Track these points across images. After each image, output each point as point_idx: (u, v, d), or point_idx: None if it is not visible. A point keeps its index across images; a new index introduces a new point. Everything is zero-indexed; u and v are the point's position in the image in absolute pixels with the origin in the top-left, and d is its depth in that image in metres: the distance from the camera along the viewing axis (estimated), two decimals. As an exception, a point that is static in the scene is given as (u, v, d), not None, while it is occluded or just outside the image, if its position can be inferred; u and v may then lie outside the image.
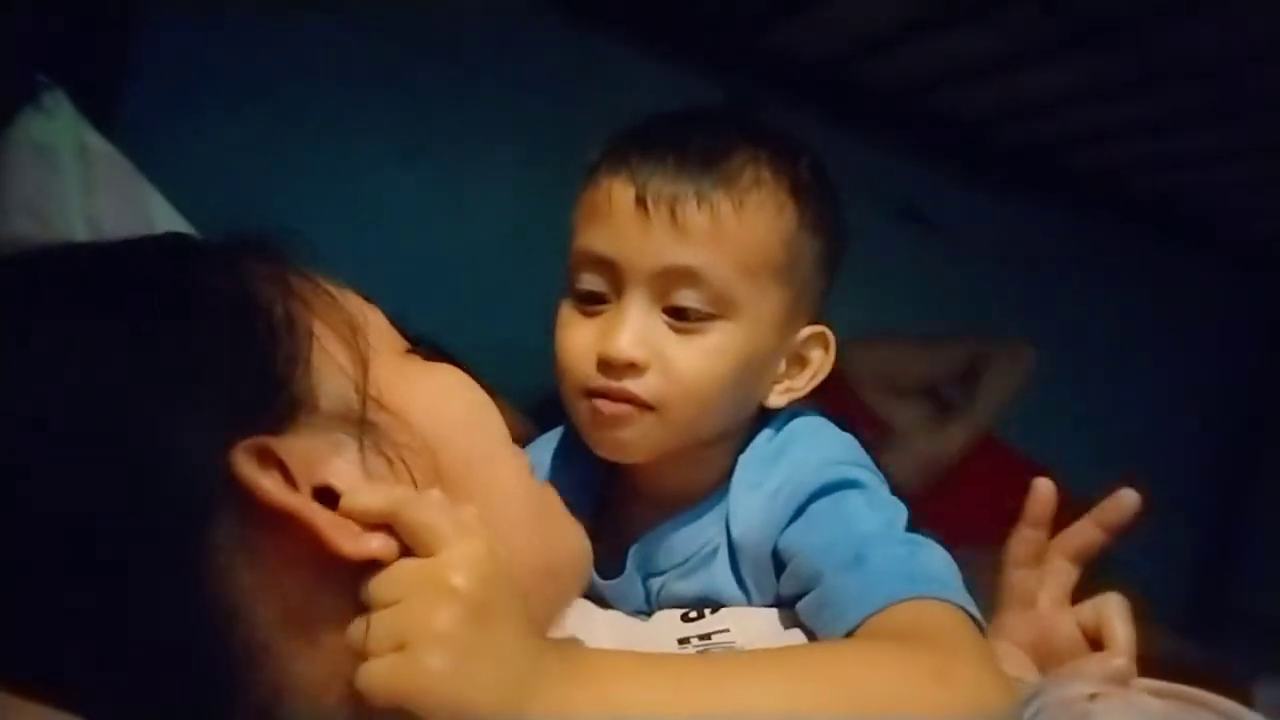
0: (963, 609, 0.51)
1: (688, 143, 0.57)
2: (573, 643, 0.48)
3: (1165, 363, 2.03)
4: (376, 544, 0.40)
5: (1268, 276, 2.09)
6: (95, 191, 0.85)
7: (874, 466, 0.61)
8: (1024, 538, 0.66)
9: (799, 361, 0.61)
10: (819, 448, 0.61)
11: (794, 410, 0.63)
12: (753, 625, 0.58)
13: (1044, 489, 0.66)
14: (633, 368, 0.56)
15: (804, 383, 0.61)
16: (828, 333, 0.62)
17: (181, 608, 0.39)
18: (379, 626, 0.38)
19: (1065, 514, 0.66)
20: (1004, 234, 1.86)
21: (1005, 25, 1.35)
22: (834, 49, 1.53)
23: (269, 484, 0.39)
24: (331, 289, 0.47)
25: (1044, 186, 1.86)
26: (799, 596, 0.56)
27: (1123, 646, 0.59)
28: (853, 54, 1.54)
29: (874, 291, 1.64)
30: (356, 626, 0.38)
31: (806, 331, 0.61)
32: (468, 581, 0.38)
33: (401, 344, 0.49)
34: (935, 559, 0.54)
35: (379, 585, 0.39)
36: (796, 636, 0.56)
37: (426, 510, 0.40)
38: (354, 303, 0.47)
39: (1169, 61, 1.37)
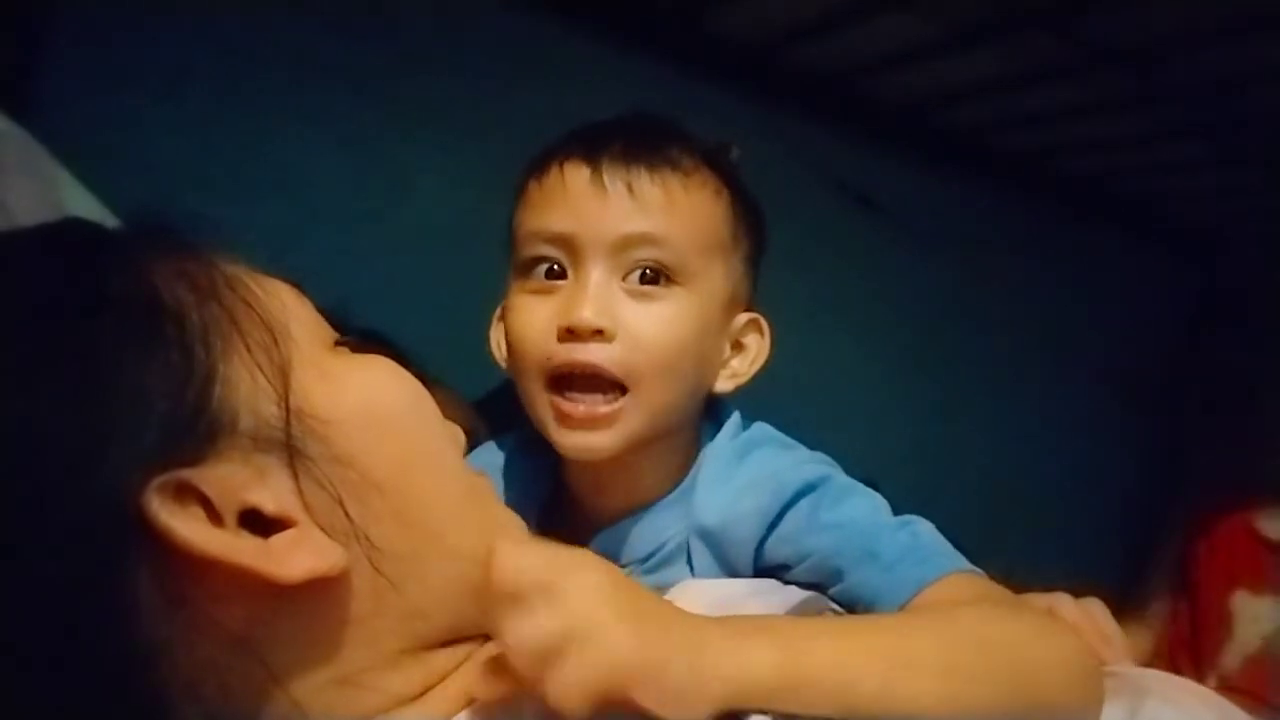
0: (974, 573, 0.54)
1: (629, 134, 0.60)
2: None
3: (1095, 343, 2.07)
4: (311, 563, 0.38)
5: (1197, 258, 2.15)
6: (3, 175, 0.80)
7: (835, 465, 0.63)
8: None
9: (737, 347, 0.64)
10: (783, 447, 0.63)
11: (749, 419, 0.65)
12: (699, 598, 0.58)
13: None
14: (598, 335, 0.56)
15: (745, 367, 0.64)
16: (761, 319, 0.64)
17: (105, 655, 0.36)
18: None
19: None
20: (947, 216, 1.88)
21: (939, 11, 1.36)
22: (771, 34, 1.53)
23: (184, 528, 0.36)
24: (250, 282, 0.43)
25: (983, 169, 1.88)
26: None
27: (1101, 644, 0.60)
28: (790, 39, 1.53)
29: (819, 273, 1.66)
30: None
31: (744, 318, 0.63)
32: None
33: (329, 335, 0.45)
34: (928, 534, 0.57)
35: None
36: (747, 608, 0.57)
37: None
38: (276, 294, 0.44)
39: (1100, 47, 1.40)
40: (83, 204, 0.84)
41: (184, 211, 0.43)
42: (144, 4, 1.21)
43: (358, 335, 0.47)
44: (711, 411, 0.65)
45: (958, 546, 0.57)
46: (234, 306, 0.41)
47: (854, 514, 0.57)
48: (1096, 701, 0.47)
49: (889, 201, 1.82)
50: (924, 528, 0.57)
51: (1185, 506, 1.56)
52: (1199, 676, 1.39)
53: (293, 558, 0.38)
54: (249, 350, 0.40)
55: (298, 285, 0.46)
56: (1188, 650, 1.44)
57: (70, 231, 0.44)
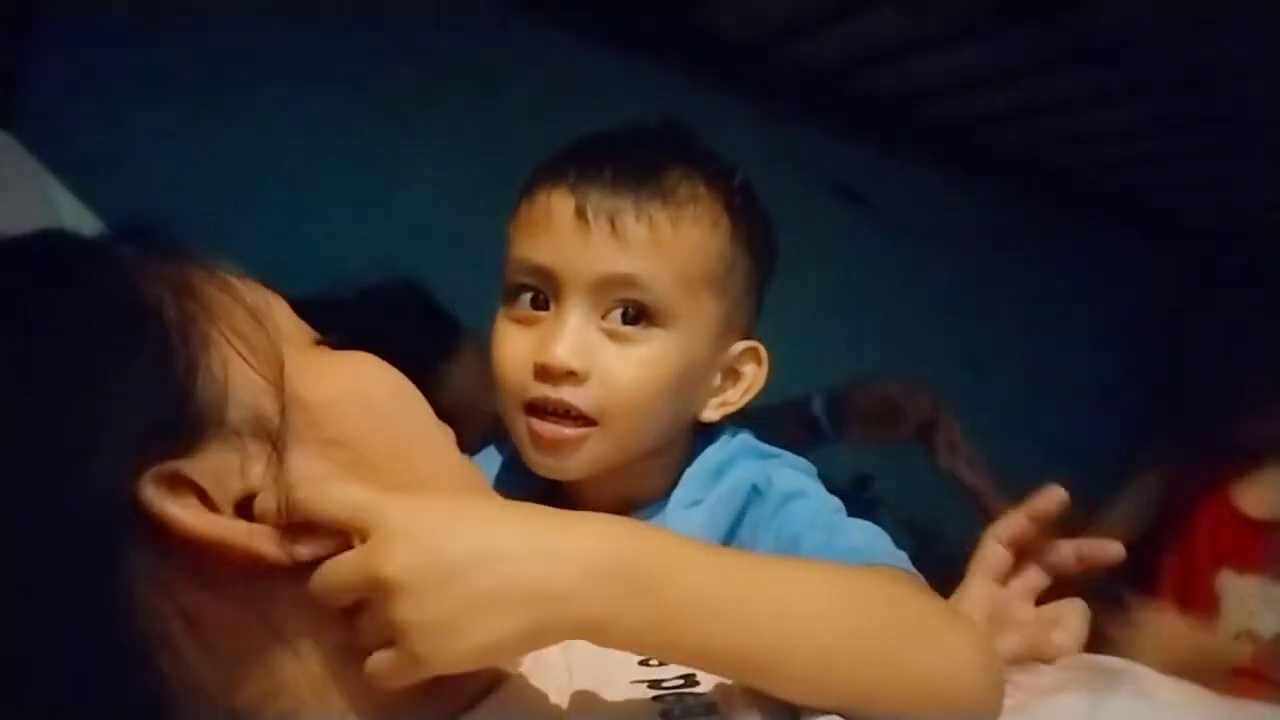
0: (899, 567, 0.52)
1: (624, 158, 0.58)
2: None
3: (1085, 331, 2.08)
4: (312, 546, 0.39)
5: (1185, 245, 2.16)
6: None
7: (807, 469, 0.62)
8: (1017, 522, 0.66)
9: (732, 376, 0.63)
10: (761, 458, 0.62)
11: (735, 430, 0.64)
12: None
13: (1055, 496, 0.67)
14: (571, 376, 0.56)
15: (738, 396, 0.63)
16: (760, 348, 0.63)
17: (100, 644, 0.36)
18: (363, 627, 0.38)
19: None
20: (936, 210, 1.89)
21: (926, 6, 1.37)
22: (760, 31, 1.53)
23: (183, 514, 0.37)
24: (231, 280, 0.44)
25: (972, 163, 1.89)
26: None
27: (1071, 648, 0.60)
28: (779, 36, 1.53)
29: (809, 268, 1.66)
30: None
31: (740, 346, 0.62)
32: (404, 557, 0.37)
33: (309, 334, 0.46)
34: (854, 534, 0.55)
35: (326, 590, 0.39)
36: None
37: (335, 500, 0.39)
38: (257, 294, 0.44)
39: (1088, 39, 1.40)
40: (74, 212, 0.84)
41: (166, 216, 0.44)
42: (131, 8, 1.20)
43: (341, 337, 0.48)
44: (705, 427, 0.64)
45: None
46: (213, 301, 0.42)
47: (786, 521, 0.56)
48: (991, 705, 0.45)
49: (877, 196, 1.82)
50: (852, 530, 0.56)
51: (1164, 480, 1.57)
52: None
53: (297, 540, 0.39)
54: (230, 342, 0.41)
55: (275, 289, 0.47)
56: None
57: (50, 240, 0.44)
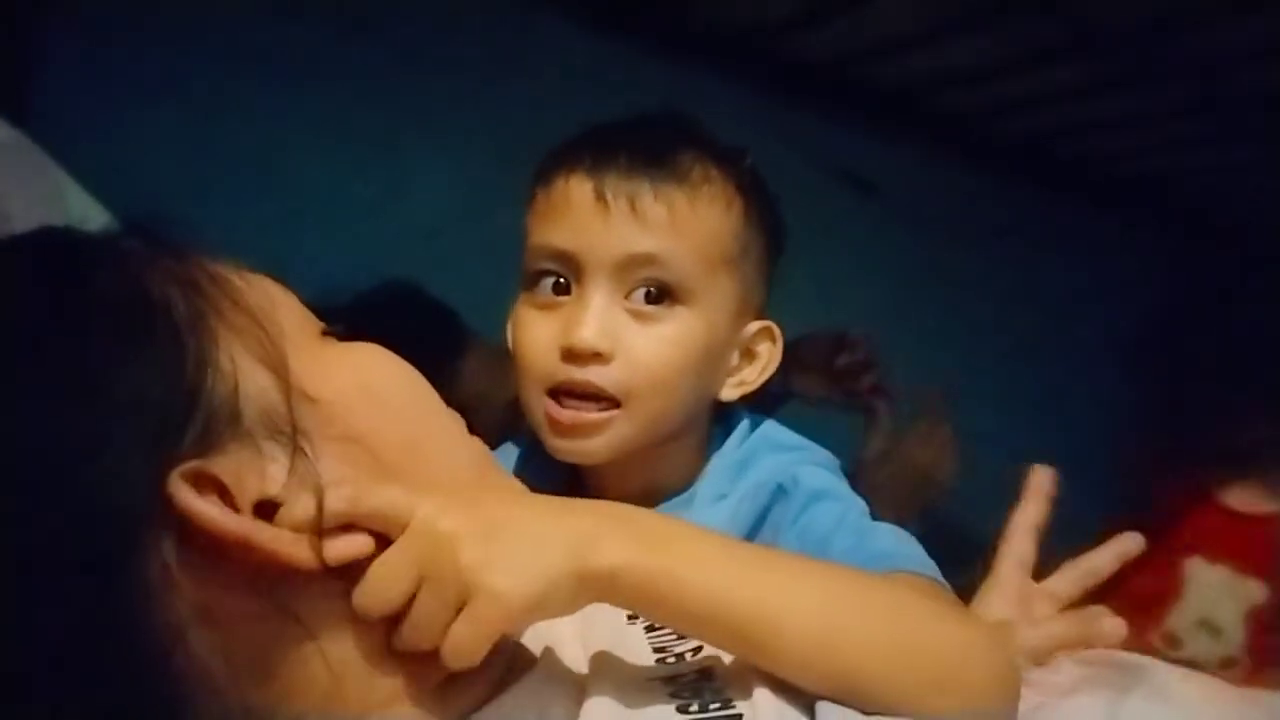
0: (923, 574, 0.53)
1: (637, 143, 0.59)
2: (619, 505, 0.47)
3: (1097, 320, 2.07)
4: (344, 549, 0.39)
5: (1197, 236, 2.14)
6: (3, 182, 0.80)
7: (831, 464, 0.63)
8: (1039, 509, 0.69)
9: (748, 355, 0.64)
10: (785, 450, 0.63)
11: (756, 418, 0.65)
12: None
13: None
14: (598, 357, 0.57)
15: (755, 376, 0.64)
16: (774, 327, 0.64)
17: (111, 642, 0.36)
18: (425, 613, 0.38)
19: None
20: (943, 199, 1.88)
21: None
22: (765, 22, 1.52)
23: (217, 513, 0.37)
24: (234, 276, 0.43)
25: (982, 152, 1.88)
26: None
27: (1118, 637, 0.60)
28: (783, 26, 1.53)
29: (821, 257, 1.65)
30: (399, 636, 0.39)
31: (755, 326, 0.63)
32: (455, 516, 0.39)
33: (317, 326, 0.46)
34: (883, 538, 0.56)
35: (377, 589, 0.39)
36: None
37: (374, 497, 0.40)
38: (261, 287, 0.44)
39: (1095, 27, 1.39)
40: (87, 210, 0.84)
41: (170, 213, 0.44)
42: (140, 7, 1.20)
43: (343, 329, 0.48)
44: (722, 415, 0.64)
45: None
46: (218, 298, 0.42)
47: (812, 522, 0.57)
48: (1002, 705, 0.45)
49: (885, 184, 1.81)
50: (876, 532, 0.56)
51: (1155, 475, 1.57)
52: (1141, 632, 1.40)
53: (333, 543, 0.39)
54: (240, 338, 0.41)
55: (282, 281, 0.47)
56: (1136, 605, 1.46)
57: (54, 236, 0.44)
